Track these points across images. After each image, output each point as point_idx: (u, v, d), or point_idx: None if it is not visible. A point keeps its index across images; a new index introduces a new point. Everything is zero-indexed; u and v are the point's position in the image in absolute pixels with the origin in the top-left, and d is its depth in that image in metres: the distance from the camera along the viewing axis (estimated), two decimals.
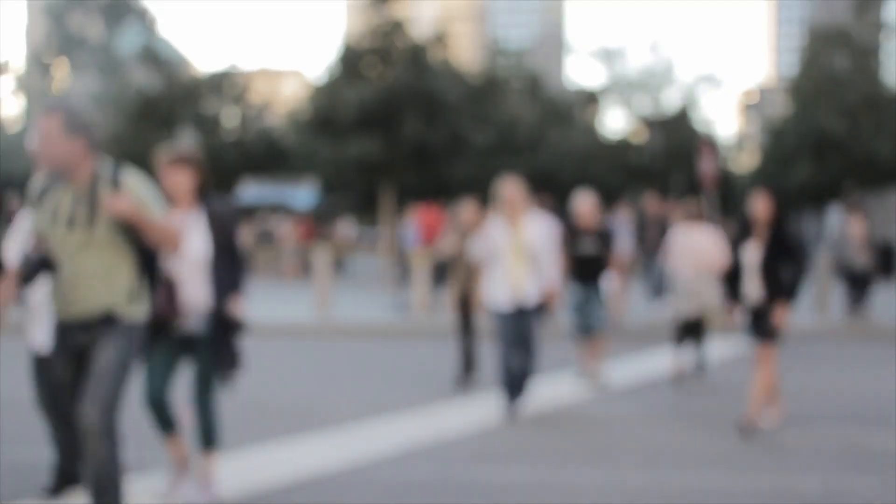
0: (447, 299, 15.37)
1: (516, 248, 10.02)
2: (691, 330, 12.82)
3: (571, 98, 57.98)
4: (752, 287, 9.30)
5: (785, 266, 9.20)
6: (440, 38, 45.66)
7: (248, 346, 15.93)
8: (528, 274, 10.02)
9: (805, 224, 53.64)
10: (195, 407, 6.73)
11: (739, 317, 9.51)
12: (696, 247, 12.75)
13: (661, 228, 18.23)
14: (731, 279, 9.45)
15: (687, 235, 12.88)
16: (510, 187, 10.15)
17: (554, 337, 16.22)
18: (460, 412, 10.14)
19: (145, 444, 8.55)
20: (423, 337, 17.03)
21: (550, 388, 11.38)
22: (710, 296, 12.67)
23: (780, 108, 58.64)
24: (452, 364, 12.92)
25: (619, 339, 16.50)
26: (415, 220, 24.17)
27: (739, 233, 9.48)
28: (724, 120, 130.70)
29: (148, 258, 5.77)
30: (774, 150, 51.06)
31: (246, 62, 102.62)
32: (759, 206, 9.24)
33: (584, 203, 12.20)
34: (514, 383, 9.97)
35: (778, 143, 51.23)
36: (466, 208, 12.57)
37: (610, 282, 12.83)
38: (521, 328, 10.04)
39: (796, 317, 18.35)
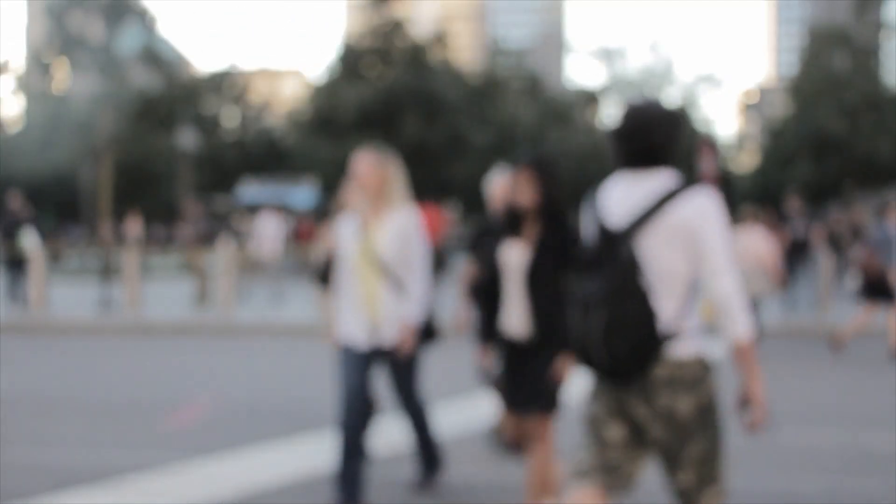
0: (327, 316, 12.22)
1: (367, 256, 6.70)
2: None
3: (571, 98, 58.01)
4: (513, 314, 5.88)
5: (566, 282, 5.76)
6: (440, 38, 45.68)
7: (248, 346, 15.98)
8: (386, 296, 6.68)
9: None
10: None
11: (490, 363, 6.06)
12: (749, 245, 14.94)
13: None
14: (486, 300, 6.00)
15: (744, 235, 15.10)
16: (365, 164, 6.73)
17: None
18: (460, 412, 10.13)
19: (146, 444, 8.55)
20: None
21: None
22: (758, 288, 15.02)
23: (780, 108, 58.66)
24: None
25: None
26: None
27: (500, 229, 6.01)
28: (724, 120, 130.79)
29: None
30: (774, 150, 51.08)
31: (246, 62, 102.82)
32: (521, 189, 5.86)
33: (499, 186, 7.47)
34: (351, 468, 6.57)
35: (778, 143, 51.21)
36: (349, 194, 8.19)
37: None
38: (385, 377, 7.03)
39: (795, 316, 18.35)
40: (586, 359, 4.26)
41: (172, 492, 6.98)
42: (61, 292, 23.34)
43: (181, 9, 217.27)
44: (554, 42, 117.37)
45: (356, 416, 6.62)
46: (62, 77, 65.86)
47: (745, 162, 62.96)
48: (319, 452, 8.13)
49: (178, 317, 19.07)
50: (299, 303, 21.10)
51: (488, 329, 5.97)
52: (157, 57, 58.91)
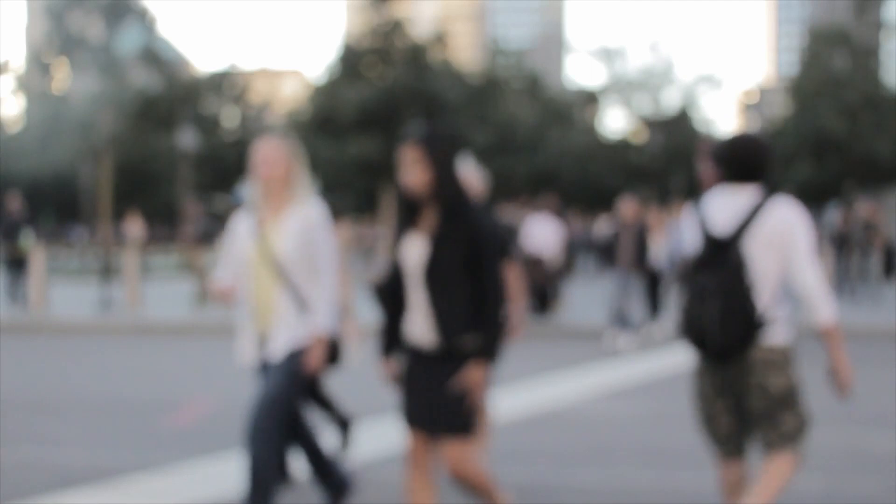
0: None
1: (264, 258, 5.83)
2: None
3: (571, 98, 58.01)
4: (416, 319, 5.10)
5: (480, 282, 4.99)
6: (440, 38, 45.69)
7: None
8: (281, 304, 5.78)
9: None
10: None
11: (393, 375, 5.23)
12: None
13: (638, 239, 15.87)
14: (387, 303, 5.21)
15: None
16: (268, 151, 5.95)
17: (554, 335, 16.18)
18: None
19: (146, 444, 8.55)
20: None
21: (550, 388, 11.36)
22: None
23: (780, 108, 58.70)
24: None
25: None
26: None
27: (400, 222, 5.18)
28: (724, 120, 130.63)
29: None
30: (774, 151, 51.15)
31: (246, 62, 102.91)
32: (409, 170, 5.01)
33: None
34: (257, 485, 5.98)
35: (778, 143, 51.20)
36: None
37: None
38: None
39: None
40: (699, 341, 5.12)
41: (172, 492, 6.98)
42: (61, 292, 23.34)
43: (181, 9, 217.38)
44: (554, 42, 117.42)
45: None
46: (62, 77, 65.88)
47: None
48: None
49: (178, 317, 19.07)
50: None
51: (390, 336, 5.17)
52: (157, 57, 58.92)
